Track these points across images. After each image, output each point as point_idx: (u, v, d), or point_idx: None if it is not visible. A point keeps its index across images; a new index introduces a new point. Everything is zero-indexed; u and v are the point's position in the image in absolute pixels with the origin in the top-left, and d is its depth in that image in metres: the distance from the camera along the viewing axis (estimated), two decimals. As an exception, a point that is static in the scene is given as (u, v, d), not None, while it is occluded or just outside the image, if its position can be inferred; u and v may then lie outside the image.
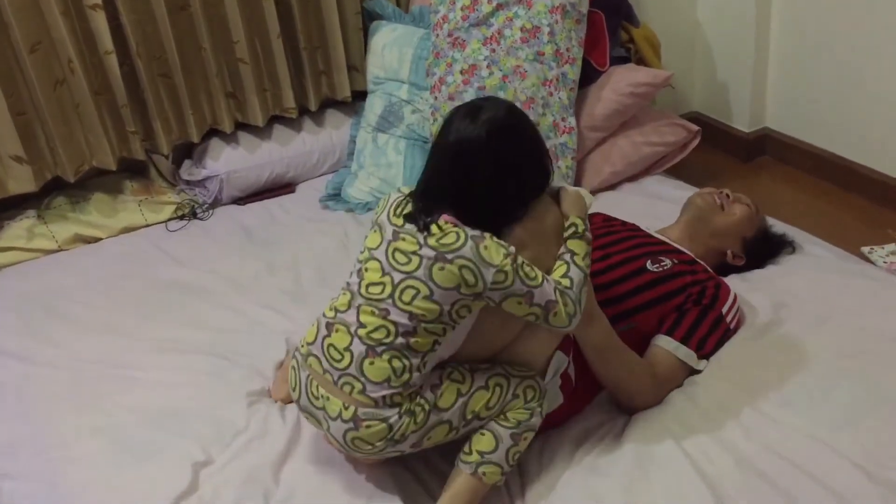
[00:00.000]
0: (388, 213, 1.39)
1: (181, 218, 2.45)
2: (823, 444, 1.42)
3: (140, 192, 2.48)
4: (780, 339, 1.69)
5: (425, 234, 1.32)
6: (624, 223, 1.91)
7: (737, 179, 2.82)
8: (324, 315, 1.41)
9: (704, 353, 1.63)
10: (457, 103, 2.33)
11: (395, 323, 1.32)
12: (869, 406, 1.49)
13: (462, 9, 2.37)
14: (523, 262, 1.33)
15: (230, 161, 2.52)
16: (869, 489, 1.33)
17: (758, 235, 1.93)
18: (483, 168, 1.33)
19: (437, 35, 2.41)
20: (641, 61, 2.68)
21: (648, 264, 1.71)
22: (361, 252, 1.41)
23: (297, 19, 2.50)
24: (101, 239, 2.37)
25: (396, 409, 1.33)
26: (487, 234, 1.32)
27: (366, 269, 1.37)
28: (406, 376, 1.33)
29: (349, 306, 1.37)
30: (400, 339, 1.32)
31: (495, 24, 2.33)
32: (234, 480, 1.49)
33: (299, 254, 2.24)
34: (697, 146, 2.53)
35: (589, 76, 2.45)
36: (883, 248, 2.16)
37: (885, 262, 2.07)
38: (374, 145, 2.53)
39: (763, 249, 1.94)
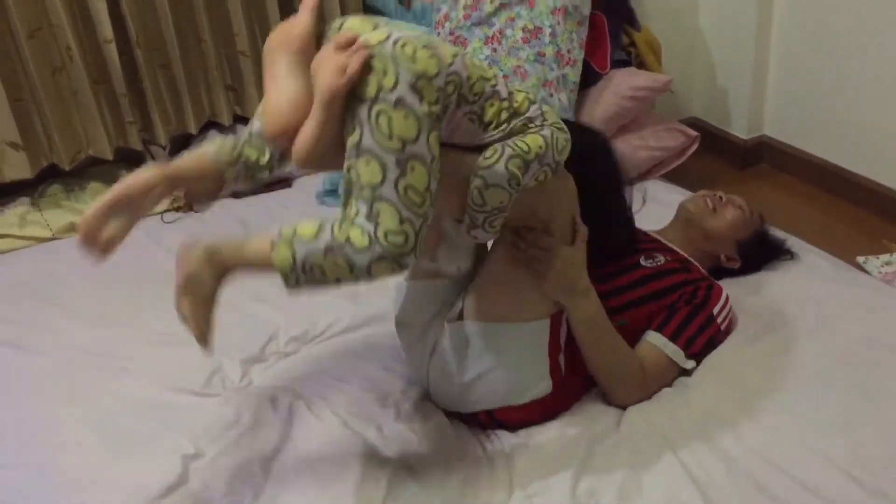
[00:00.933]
0: None
1: (177, 210, 2.44)
2: (816, 452, 1.42)
3: (136, 182, 2.47)
4: (774, 345, 1.69)
5: None
6: None
7: (733, 186, 2.81)
8: None
9: (693, 352, 1.63)
10: (457, 102, 2.35)
11: None
12: (862, 414, 1.49)
13: (464, 7, 2.37)
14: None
15: (227, 153, 2.51)
16: (861, 497, 1.33)
17: (753, 238, 1.92)
18: None
19: (439, 33, 2.41)
20: (642, 65, 2.68)
21: (642, 260, 1.71)
22: None
23: (299, 13, 2.50)
24: (95, 228, 2.36)
25: (446, 78, 1.20)
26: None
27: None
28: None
29: None
30: None
31: (497, 24, 2.33)
32: (224, 474, 1.48)
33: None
34: (695, 152, 2.53)
35: (589, 78, 2.45)
36: (878, 258, 2.16)
37: (879, 272, 2.08)
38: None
39: (758, 252, 1.93)
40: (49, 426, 1.62)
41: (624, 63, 2.60)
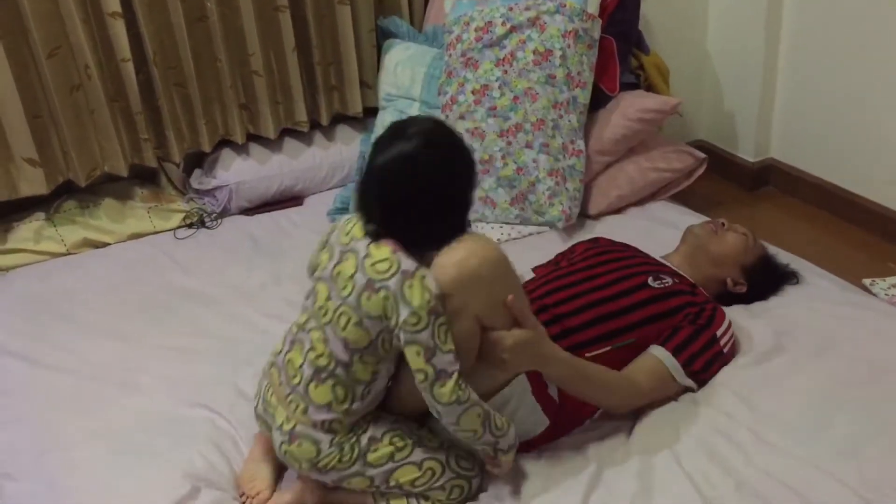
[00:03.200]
0: (339, 233, 1.42)
1: (189, 226, 2.47)
2: (824, 472, 1.42)
3: (150, 199, 2.50)
4: (782, 366, 1.70)
5: (367, 250, 1.33)
6: (627, 246, 1.94)
7: (740, 208, 2.84)
8: (290, 329, 1.47)
9: (693, 369, 1.64)
10: (467, 122, 2.38)
11: (332, 351, 1.35)
12: (870, 436, 1.50)
13: (476, 30, 2.40)
14: (442, 324, 1.30)
15: (240, 172, 2.54)
16: (869, 518, 1.34)
17: (758, 262, 1.94)
18: (408, 185, 1.30)
19: (451, 55, 2.44)
20: (651, 88, 2.71)
21: (650, 280, 1.74)
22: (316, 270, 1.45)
23: (313, 34, 2.53)
24: (109, 244, 2.39)
25: (330, 437, 1.38)
26: (420, 273, 1.30)
27: (318, 291, 1.41)
28: (347, 404, 1.37)
29: (305, 327, 1.42)
30: (340, 369, 1.35)
31: (508, 46, 2.36)
32: (233, 490, 1.50)
33: (306, 266, 2.24)
34: (703, 174, 2.55)
35: (599, 101, 2.47)
36: (885, 280, 2.17)
37: (886, 295, 2.09)
38: (383, 161, 2.55)
39: (764, 276, 1.95)
40: (61, 440, 1.63)
41: (633, 86, 2.62)
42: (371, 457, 1.39)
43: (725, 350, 1.71)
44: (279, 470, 1.53)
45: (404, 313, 1.29)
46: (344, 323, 1.34)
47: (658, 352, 1.63)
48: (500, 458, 1.40)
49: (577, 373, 1.50)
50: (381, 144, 1.35)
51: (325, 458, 1.38)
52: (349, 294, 1.33)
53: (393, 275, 1.30)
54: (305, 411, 1.38)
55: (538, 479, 1.47)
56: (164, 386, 1.77)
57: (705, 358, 1.66)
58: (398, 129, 1.34)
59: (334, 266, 1.38)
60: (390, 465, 1.39)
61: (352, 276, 1.34)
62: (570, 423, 1.58)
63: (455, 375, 1.31)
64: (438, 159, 1.32)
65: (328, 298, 1.37)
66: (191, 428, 1.63)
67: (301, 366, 1.39)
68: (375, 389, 1.39)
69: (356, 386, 1.36)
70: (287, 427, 1.40)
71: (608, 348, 1.60)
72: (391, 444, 1.40)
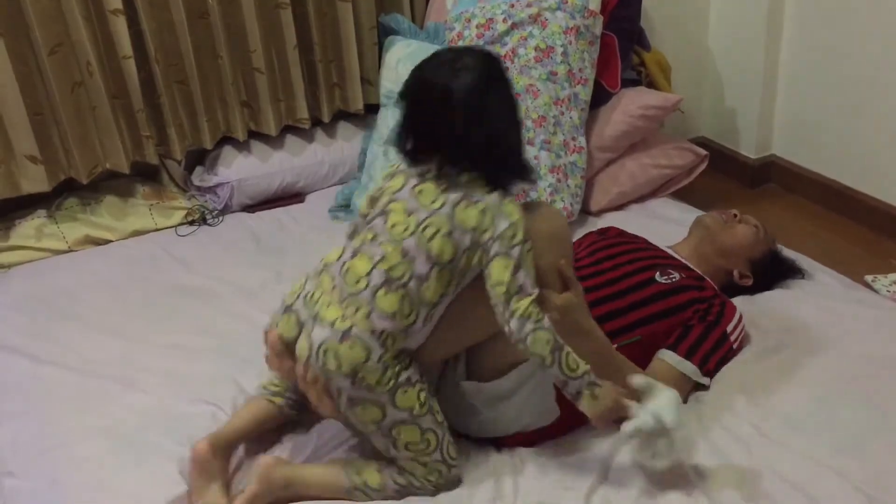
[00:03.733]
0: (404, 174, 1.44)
1: (191, 223, 2.47)
2: (827, 468, 1.43)
3: (151, 196, 2.50)
4: (785, 362, 1.70)
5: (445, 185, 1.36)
6: (636, 237, 1.93)
7: (742, 205, 2.80)
8: (349, 245, 1.45)
9: (708, 369, 1.64)
10: (468, 119, 2.37)
11: (411, 263, 1.35)
12: (873, 432, 1.50)
13: (477, 27, 2.40)
14: (529, 249, 1.35)
15: (242, 169, 2.54)
16: (871, 514, 1.34)
17: (765, 256, 1.94)
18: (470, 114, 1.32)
19: (452, 52, 2.44)
20: (652, 85, 2.71)
21: (657, 276, 1.73)
22: (377, 199, 1.45)
23: (314, 31, 2.53)
24: (110, 241, 2.39)
25: (381, 352, 1.35)
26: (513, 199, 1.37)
27: (390, 211, 1.40)
28: (410, 320, 1.36)
29: (375, 241, 1.40)
30: (413, 283, 1.35)
31: (510, 43, 2.36)
32: (236, 485, 1.50)
33: (307, 263, 2.22)
34: (704, 171, 2.55)
35: (600, 97, 2.47)
36: (886, 277, 2.17)
37: (888, 292, 2.08)
38: (385, 158, 2.55)
39: (771, 270, 1.95)
40: (62, 437, 1.63)
41: (634, 82, 2.62)
42: (400, 397, 1.37)
43: (735, 346, 1.71)
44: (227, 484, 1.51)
45: (502, 225, 1.33)
46: (431, 234, 1.34)
47: (669, 358, 1.62)
48: (581, 404, 1.36)
49: (608, 356, 1.50)
50: (438, 70, 1.35)
51: (369, 369, 1.35)
52: (441, 206, 1.35)
53: (489, 193, 1.34)
54: (368, 315, 1.35)
55: (542, 477, 1.47)
56: (165, 383, 1.77)
57: (718, 356, 1.67)
58: (456, 58, 1.35)
59: (414, 186, 1.40)
60: (406, 416, 1.38)
61: (443, 192, 1.36)
62: (575, 420, 1.58)
63: (533, 296, 1.32)
64: (503, 93, 1.36)
65: (409, 214, 1.37)
66: (192, 425, 1.62)
67: (369, 273, 1.37)
68: (434, 318, 1.39)
69: (422, 307, 1.36)
70: (341, 326, 1.36)
71: (614, 346, 1.61)
72: (418, 397, 1.39)
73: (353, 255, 1.42)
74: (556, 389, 1.49)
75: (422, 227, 1.35)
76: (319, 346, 1.37)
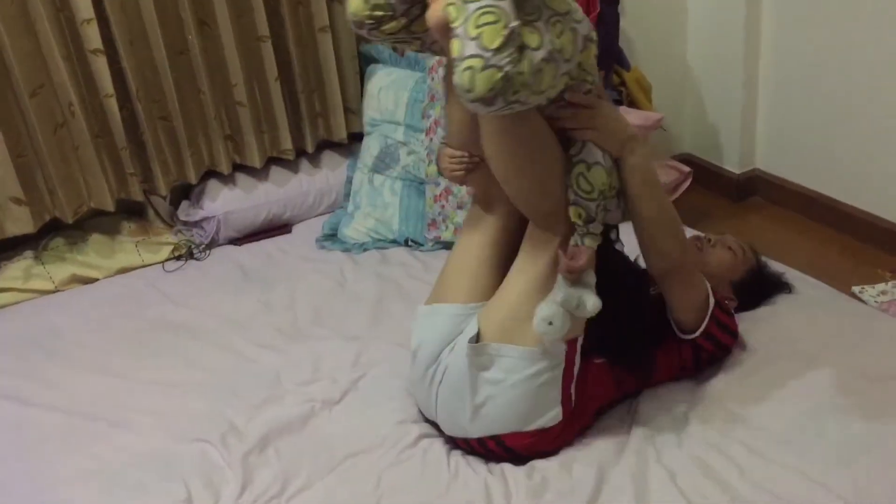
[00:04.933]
0: None
1: (178, 258, 2.47)
2: (817, 483, 1.42)
3: (137, 232, 2.50)
4: (773, 376, 1.70)
5: None
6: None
7: (728, 220, 2.85)
8: None
9: (720, 315, 1.70)
10: (452, 145, 2.38)
11: None
12: (862, 445, 1.50)
13: (457, 53, 2.42)
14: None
15: (227, 202, 2.54)
16: (863, 528, 1.34)
17: (747, 277, 1.91)
18: None
19: (433, 78, 2.46)
20: (633, 104, 2.72)
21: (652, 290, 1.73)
22: None
23: (295, 63, 2.55)
24: (97, 279, 2.38)
25: None
26: None
27: None
28: None
29: None
30: None
31: (489, 68, 2.37)
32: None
33: (296, 294, 2.25)
34: (689, 187, 2.56)
35: (581, 118, 2.48)
36: (874, 287, 2.18)
37: (876, 302, 2.09)
38: (370, 186, 2.56)
39: (755, 290, 1.94)
40: (51, 477, 1.62)
41: (615, 102, 2.64)
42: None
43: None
44: None
45: None
46: None
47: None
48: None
49: (651, 169, 1.53)
50: None
51: None
52: None
53: None
54: None
55: (531, 500, 1.47)
56: (155, 421, 1.76)
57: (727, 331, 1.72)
58: None
59: None
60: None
61: None
62: (570, 434, 1.59)
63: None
64: None
65: None
66: (183, 463, 1.62)
67: None
68: None
69: None
70: None
71: None
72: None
73: None
74: (562, 385, 1.50)
75: None
76: None
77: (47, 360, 2.01)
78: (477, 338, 1.53)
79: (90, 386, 1.90)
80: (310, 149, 2.68)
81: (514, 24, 1.24)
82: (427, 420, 1.70)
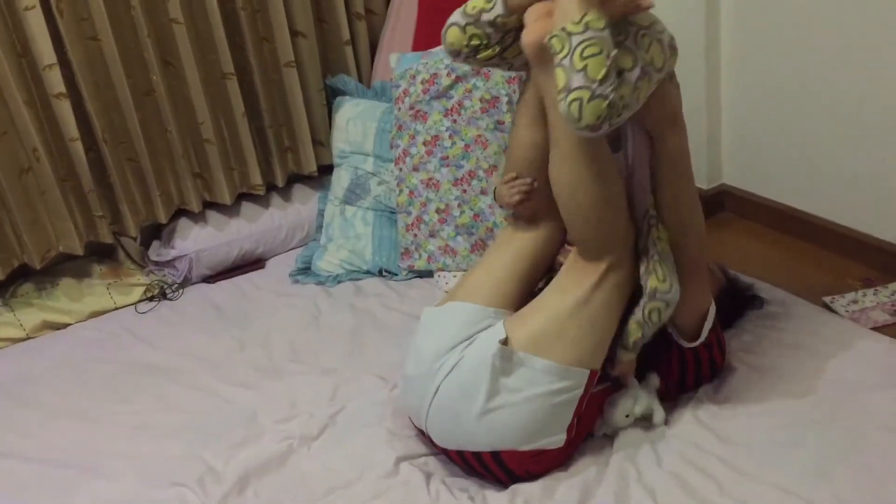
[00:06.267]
0: None
1: (151, 299, 2.44)
2: (797, 497, 1.43)
3: (108, 275, 2.47)
4: (748, 391, 1.71)
5: None
6: None
7: (699, 235, 2.87)
8: None
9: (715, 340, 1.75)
10: (421, 174, 2.39)
11: None
12: (840, 456, 1.51)
13: (422, 83, 2.44)
14: None
15: (199, 240, 2.52)
16: (844, 540, 1.34)
17: (718, 297, 1.85)
18: None
19: (399, 108, 2.47)
20: (599, 125, 2.75)
21: None
22: None
23: (262, 98, 2.55)
24: (69, 324, 2.35)
25: None
26: None
27: None
28: None
29: None
30: None
31: (455, 96, 2.39)
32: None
33: (271, 329, 2.24)
34: (658, 205, 2.58)
35: (549, 142, 2.50)
36: (844, 297, 2.20)
37: (847, 312, 2.11)
38: (342, 218, 2.56)
39: (727, 308, 1.92)
40: (29, 532, 1.59)
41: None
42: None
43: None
44: None
45: None
46: None
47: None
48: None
49: (686, 160, 1.74)
50: None
51: None
52: None
53: None
54: None
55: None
56: (131, 467, 1.74)
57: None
58: None
59: None
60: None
61: None
62: (563, 460, 1.59)
63: None
64: None
65: None
66: (161, 507, 1.60)
67: None
68: None
69: None
70: None
71: None
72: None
73: None
74: (574, 411, 1.52)
75: None
76: None
77: (19, 408, 1.98)
78: (504, 342, 1.53)
79: (64, 433, 1.88)
80: (280, 183, 2.68)
81: (615, 52, 1.35)
82: (416, 427, 1.68)
